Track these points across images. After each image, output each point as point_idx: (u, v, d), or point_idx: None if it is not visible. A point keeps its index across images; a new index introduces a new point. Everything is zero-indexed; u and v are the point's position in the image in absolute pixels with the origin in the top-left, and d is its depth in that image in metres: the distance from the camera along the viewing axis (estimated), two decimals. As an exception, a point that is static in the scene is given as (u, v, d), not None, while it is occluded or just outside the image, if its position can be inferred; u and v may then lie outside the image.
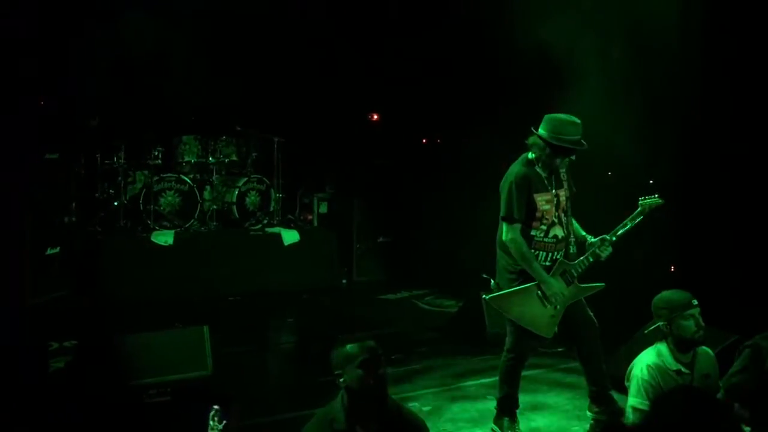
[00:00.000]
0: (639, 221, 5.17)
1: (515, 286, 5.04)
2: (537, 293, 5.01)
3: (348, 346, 3.31)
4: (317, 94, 10.09)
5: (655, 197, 5.22)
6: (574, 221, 5.26)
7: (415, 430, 3.41)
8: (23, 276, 7.68)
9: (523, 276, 5.04)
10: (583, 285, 5.15)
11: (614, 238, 5.11)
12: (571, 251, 5.16)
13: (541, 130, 4.98)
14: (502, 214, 5.03)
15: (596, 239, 5.15)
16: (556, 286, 5.02)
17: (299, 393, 5.88)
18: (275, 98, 10.11)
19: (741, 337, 5.07)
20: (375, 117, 10.84)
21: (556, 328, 5.16)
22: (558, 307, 5.05)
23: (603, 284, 5.19)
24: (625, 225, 5.14)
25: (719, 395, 4.30)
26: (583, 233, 5.24)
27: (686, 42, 6.66)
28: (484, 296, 5.14)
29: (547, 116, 5.01)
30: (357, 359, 3.26)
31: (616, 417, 5.02)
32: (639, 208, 5.16)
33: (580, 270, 5.11)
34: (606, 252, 5.10)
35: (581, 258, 5.12)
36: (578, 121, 4.98)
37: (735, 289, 6.37)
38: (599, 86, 7.18)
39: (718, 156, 6.81)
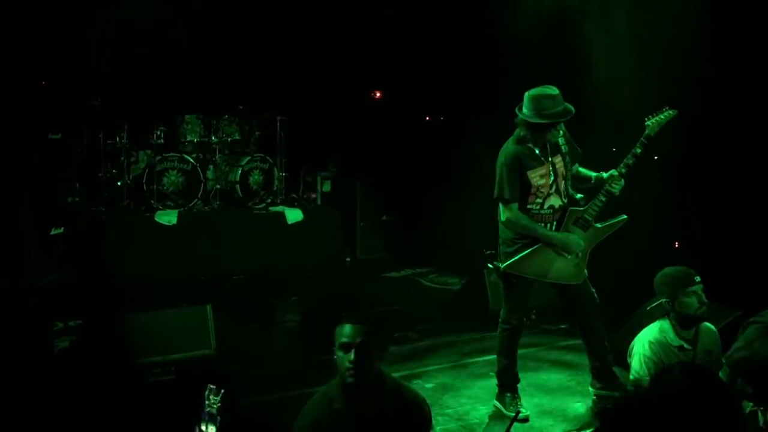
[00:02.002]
0: (647, 144, 4.87)
1: (524, 252, 5.00)
2: (552, 247, 4.99)
3: (343, 326, 3.22)
4: (320, 71, 10.02)
5: (664, 110, 4.94)
6: (581, 169, 5.19)
7: (416, 408, 3.37)
8: (28, 256, 7.69)
9: (526, 241, 5.00)
10: (602, 224, 5.09)
11: (624, 170, 4.94)
12: (578, 196, 5.09)
13: (524, 110, 4.89)
14: (494, 195, 5.00)
15: (607, 174, 5.02)
16: (570, 238, 4.98)
17: (302, 371, 5.90)
18: (278, 76, 10.06)
19: (744, 313, 5.06)
20: (378, 95, 10.80)
21: (586, 272, 5.12)
22: (580, 254, 5.03)
23: (625, 216, 5.10)
24: (635, 152, 4.92)
25: (722, 371, 4.29)
26: (594, 174, 5.13)
27: (699, 15, 6.59)
28: (499, 265, 5.02)
29: (526, 94, 4.89)
30: (339, 340, 3.21)
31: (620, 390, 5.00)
32: (646, 130, 4.91)
33: (594, 212, 5.03)
34: (618, 186, 4.96)
35: (593, 200, 5.03)
36: (555, 92, 4.84)
37: (739, 265, 6.34)
38: (604, 60, 7.13)
39: (722, 130, 6.75)
